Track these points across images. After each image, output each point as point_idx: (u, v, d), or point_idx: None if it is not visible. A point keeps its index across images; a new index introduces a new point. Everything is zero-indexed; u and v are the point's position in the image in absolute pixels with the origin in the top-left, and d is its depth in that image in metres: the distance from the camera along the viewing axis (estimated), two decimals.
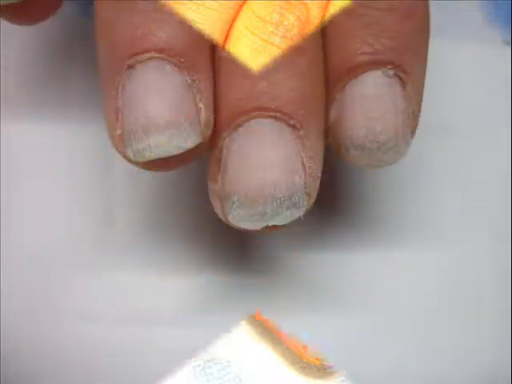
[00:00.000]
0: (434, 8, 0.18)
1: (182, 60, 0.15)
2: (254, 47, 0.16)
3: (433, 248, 0.24)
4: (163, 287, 0.23)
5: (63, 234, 0.23)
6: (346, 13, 0.16)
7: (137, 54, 0.15)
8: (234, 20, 0.16)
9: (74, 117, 0.23)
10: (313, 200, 0.16)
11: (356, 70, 0.16)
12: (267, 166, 0.15)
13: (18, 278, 0.23)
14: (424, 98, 0.18)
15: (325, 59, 0.16)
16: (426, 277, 0.24)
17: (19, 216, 0.23)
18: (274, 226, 0.17)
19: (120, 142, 0.16)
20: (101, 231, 0.23)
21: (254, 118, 0.16)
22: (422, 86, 0.17)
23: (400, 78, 0.16)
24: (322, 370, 0.18)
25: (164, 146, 0.15)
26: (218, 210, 0.16)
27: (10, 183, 0.23)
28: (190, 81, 0.15)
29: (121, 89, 0.15)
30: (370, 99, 0.16)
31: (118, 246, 0.23)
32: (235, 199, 0.16)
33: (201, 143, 0.16)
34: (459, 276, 0.24)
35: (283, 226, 0.17)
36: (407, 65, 0.16)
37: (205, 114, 0.16)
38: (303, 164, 0.16)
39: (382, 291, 0.24)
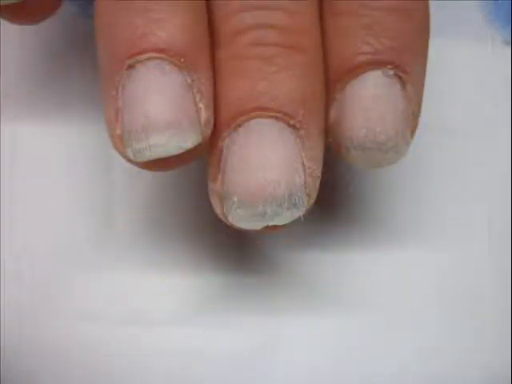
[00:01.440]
0: (433, 8, 0.18)
1: (182, 60, 0.15)
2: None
3: (433, 248, 0.24)
4: (163, 287, 0.23)
5: (63, 233, 0.23)
6: (346, 13, 0.16)
7: (137, 53, 0.15)
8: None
9: (74, 117, 0.23)
10: (313, 200, 0.16)
11: (356, 69, 0.16)
12: (267, 166, 0.15)
13: (18, 278, 0.23)
14: (424, 98, 0.18)
15: (325, 59, 0.16)
16: (426, 277, 0.24)
17: (19, 216, 0.23)
18: (274, 226, 0.17)
19: (120, 142, 0.16)
20: (101, 231, 0.23)
21: (254, 118, 0.15)
22: (422, 85, 0.17)
23: (400, 78, 0.16)
24: None
25: (164, 146, 0.15)
26: (217, 210, 0.16)
27: (10, 183, 0.23)
28: (189, 81, 0.15)
29: (121, 89, 0.15)
30: (369, 99, 0.16)
31: (118, 246, 0.23)
32: (235, 199, 0.15)
33: (201, 143, 0.16)
34: (459, 276, 0.24)
35: (283, 225, 0.17)
36: (407, 65, 0.16)
37: (205, 113, 0.16)
38: (303, 164, 0.16)
39: (382, 291, 0.24)
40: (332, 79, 0.16)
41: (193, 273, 0.23)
